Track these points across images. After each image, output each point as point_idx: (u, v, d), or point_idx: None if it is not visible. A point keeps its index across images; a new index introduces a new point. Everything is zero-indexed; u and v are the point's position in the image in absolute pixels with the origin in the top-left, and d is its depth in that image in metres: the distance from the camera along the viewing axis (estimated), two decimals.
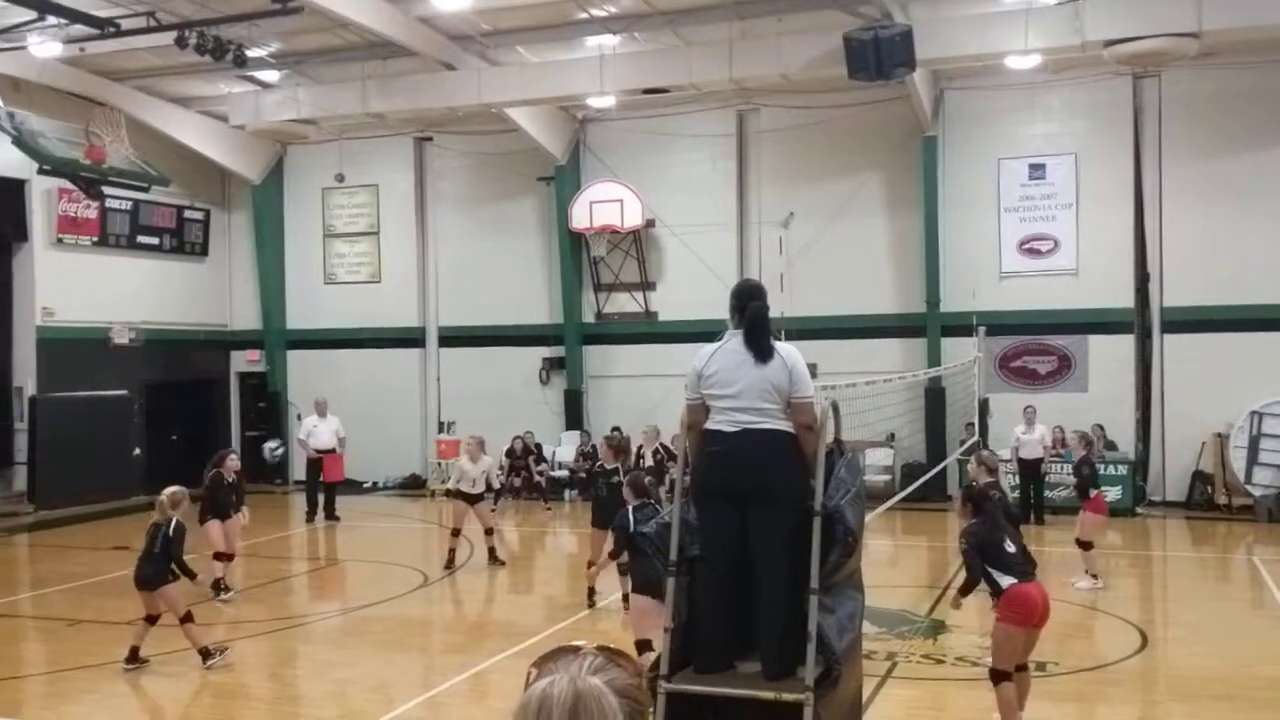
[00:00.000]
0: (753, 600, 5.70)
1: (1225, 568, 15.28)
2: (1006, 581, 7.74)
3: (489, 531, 14.79)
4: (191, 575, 10.25)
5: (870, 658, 9.96)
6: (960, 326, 18.76)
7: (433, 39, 18.23)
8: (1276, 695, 9.05)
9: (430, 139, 22.98)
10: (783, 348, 5.82)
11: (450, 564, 14.50)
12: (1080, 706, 9.10)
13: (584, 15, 17.48)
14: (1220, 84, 18.11)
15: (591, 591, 12.23)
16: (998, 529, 8.05)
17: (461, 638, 11.86)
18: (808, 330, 20.04)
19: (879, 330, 20.05)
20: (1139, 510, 18.16)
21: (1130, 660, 10.08)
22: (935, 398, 19.59)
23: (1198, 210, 18.45)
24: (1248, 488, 17.84)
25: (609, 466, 12.60)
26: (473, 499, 14.69)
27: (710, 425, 5.80)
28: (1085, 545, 13.04)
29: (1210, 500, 18.32)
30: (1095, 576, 12.86)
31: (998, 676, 7.79)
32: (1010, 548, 7.92)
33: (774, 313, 20.12)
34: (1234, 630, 11.30)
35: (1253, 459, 17.86)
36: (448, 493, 14.58)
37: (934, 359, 19.36)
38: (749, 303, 5.81)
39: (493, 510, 19.85)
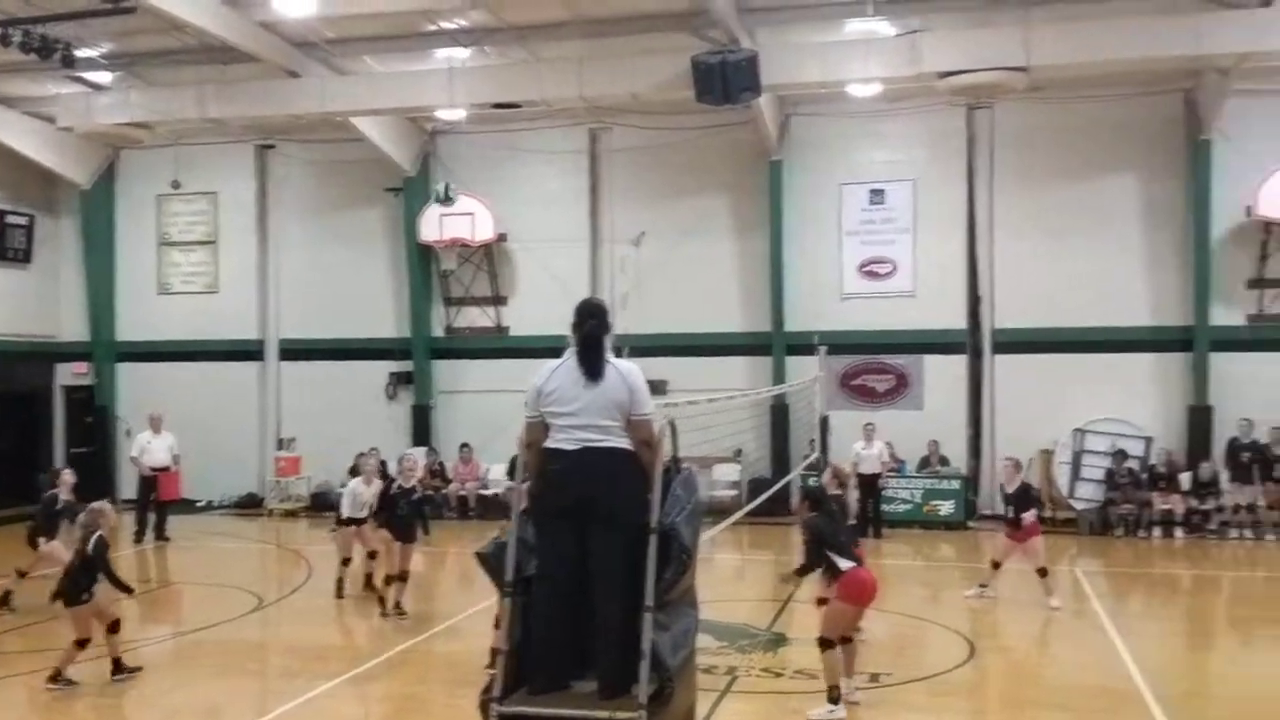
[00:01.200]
0: (589, 619, 5.67)
1: (1050, 579, 15.94)
2: (846, 565, 8.90)
3: (404, 577, 12.94)
4: (127, 589, 10.50)
5: (710, 672, 10.09)
6: (804, 346, 19.19)
7: (275, 45, 17.74)
8: (1095, 701, 9.47)
9: (273, 146, 22.37)
10: (623, 365, 5.83)
11: (340, 593, 13.77)
12: (912, 716, 9.33)
13: (433, 28, 17.31)
14: (1048, 117, 19.07)
15: (383, 601, 12.76)
16: (833, 523, 9.24)
17: (298, 662, 11.48)
18: (658, 347, 20.24)
19: (727, 348, 20.39)
20: (970, 524, 18.86)
21: (959, 670, 10.40)
22: (780, 415, 20.00)
23: (1026, 237, 19.35)
24: (1071, 502, 18.74)
25: (407, 485, 12.93)
26: (360, 524, 13.99)
27: (550, 444, 5.76)
28: (1042, 571, 13.04)
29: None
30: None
31: (825, 644, 8.92)
32: (844, 538, 9.15)
33: (624, 330, 20.28)
34: (1057, 639, 11.82)
35: (1075, 474, 18.78)
36: (341, 522, 13.79)
37: (779, 377, 19.78)
38: (586, 321, 5.80)
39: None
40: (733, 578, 16.42)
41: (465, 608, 12.80)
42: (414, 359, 21.67)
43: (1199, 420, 18.42)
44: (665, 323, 20.37)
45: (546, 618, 5.72)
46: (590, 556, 5.63)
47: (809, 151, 20.13)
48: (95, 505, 10.47)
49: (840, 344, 19.61)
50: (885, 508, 18.62)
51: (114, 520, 10.56)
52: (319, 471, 21.58)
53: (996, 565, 13.35)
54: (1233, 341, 18.57)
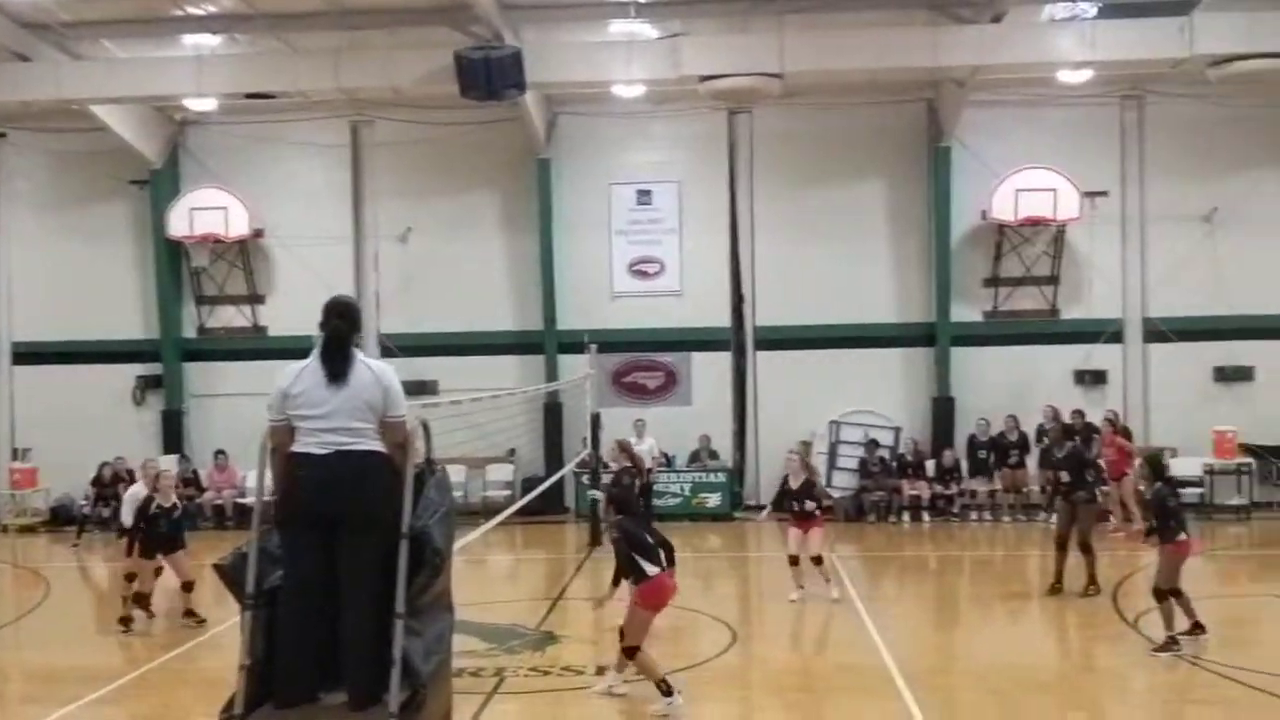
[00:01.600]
0: (338, 629, 5.46)
1: (808, 565, 16.58)
2: (651, 570, 9.06)
3: (188, 587, 12.48)
4: None
5: (479, 675, 10.01)
6: (576, 344, 19.26)
7: (3, 26, 16.39)
8: (848, 681, 9.90)
9: (4, 135, 20.67)
10: (376, 365, 5.64)
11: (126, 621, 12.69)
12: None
13: (179, 12, 16.42)
14: (803, 123, 19.86)
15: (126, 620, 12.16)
16: (640, 525, 9.41)
17: (36, 686, 10.65)
18: (428, 346, 20.00)
19: (498, 347, 20.26)
20: (736, 515, 19.44)
21: (722, 657, 10.67)
22: (553, 413, 20.04)
23: (785, 238, 20.10)
24: (828, 490, 19.56)
25: (166, 504, 12.38)
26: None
27: (298, 448, 5.51)
28: (817, 560, 13.10)
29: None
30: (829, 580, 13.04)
31: (631, 651, 9.01)
32: (650, 540, 9.25)
33: (393, 329, 19.86)
34: (815, 624, 12.30)
35: (833, 464, 19.66)
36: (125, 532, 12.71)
37: (551, 375, 19.82)
38: (330, 320, 5.58)
39: (75, 546, 18.08)
40: (505, 578, 16.35)
41: (223, 619, 12.17)
42: (163, 361, 20.51)
43: (942, 410, 19.61)
44: (435, 321, 20.09)
45: (292, 629, 5.47)
46: (340, 563, 5.42)
47: (578, 151, 20.24)
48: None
49: (611, 342, 19.78)
50: (656, 502, 18.93)
51: None
52: (59, 483, 20.12)
53: (795, 561, 13.29)
54: (971, 337, 19.86)
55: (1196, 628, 10.39)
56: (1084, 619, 11.99)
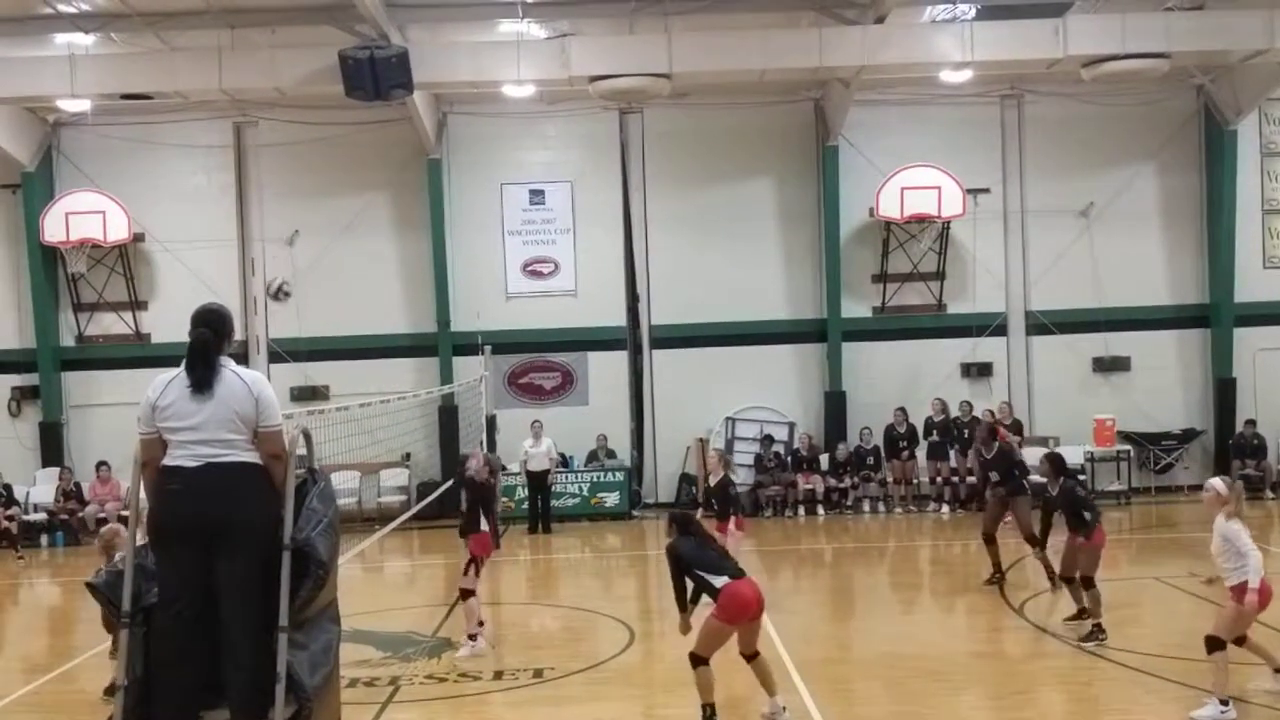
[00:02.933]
0: (218, 644, 5.33)
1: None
2: (719, 581, 8.29)
3: None
4: None
5: (373, 685, 9.86)
6: (471, 345, 19.14)
7: None
8: (745, 675, 9.95)
9: None
10: (248, 374, 5.50)
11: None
12: (576, 708, 9.46)
13: (50, 10, 15.80)
14: (694, 123, 20.02)
15: None
16: (700, 545, 8.62)
17: None
18: (318, 351, 19.64)
19: (391, 350, 20.00)
20: (635, 513, 19.50)
21: (620, 657, 10.68)
22: (448, 416, 19.84)
23: (678, 237, 20.23)
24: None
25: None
26: None
27: (169, 461, 5.35)
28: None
29: (695, 499, 20.04)
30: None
31: (695, 661, 8.40)
32: (713, 552, 8.64)
33: (284, 333, 19.46)
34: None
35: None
36: None
37: (446, 377, 19.62)
38: (195, 329, 5.42)
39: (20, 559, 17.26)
40: (402, 585, 16.14)
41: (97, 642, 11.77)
42: (40, 371, 19.74)
43: (834, 405, 19.94)
44: (325, 325, 19.76)
45: (171, 646, 5.32)
46: (216, 578, 5.29)
47: (469, 150, 20.09)
48: None
49: (507, 343, 19.73)
50: (555, 503, 18.91)
51: None
52: None
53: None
54: (861, 332, 20.24)
55: (1082, 613, 10.74)
56: (973, 606, 12.29)
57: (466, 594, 10.82)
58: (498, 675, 10.19)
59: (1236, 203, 19.82)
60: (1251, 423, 19.61)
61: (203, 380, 5.31)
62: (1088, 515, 10.72)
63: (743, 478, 19.66)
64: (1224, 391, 20.02)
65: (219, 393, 5.32)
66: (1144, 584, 13.34)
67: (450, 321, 19.82)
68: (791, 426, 20.03)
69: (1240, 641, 8.73)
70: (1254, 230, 20.28)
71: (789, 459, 19.64)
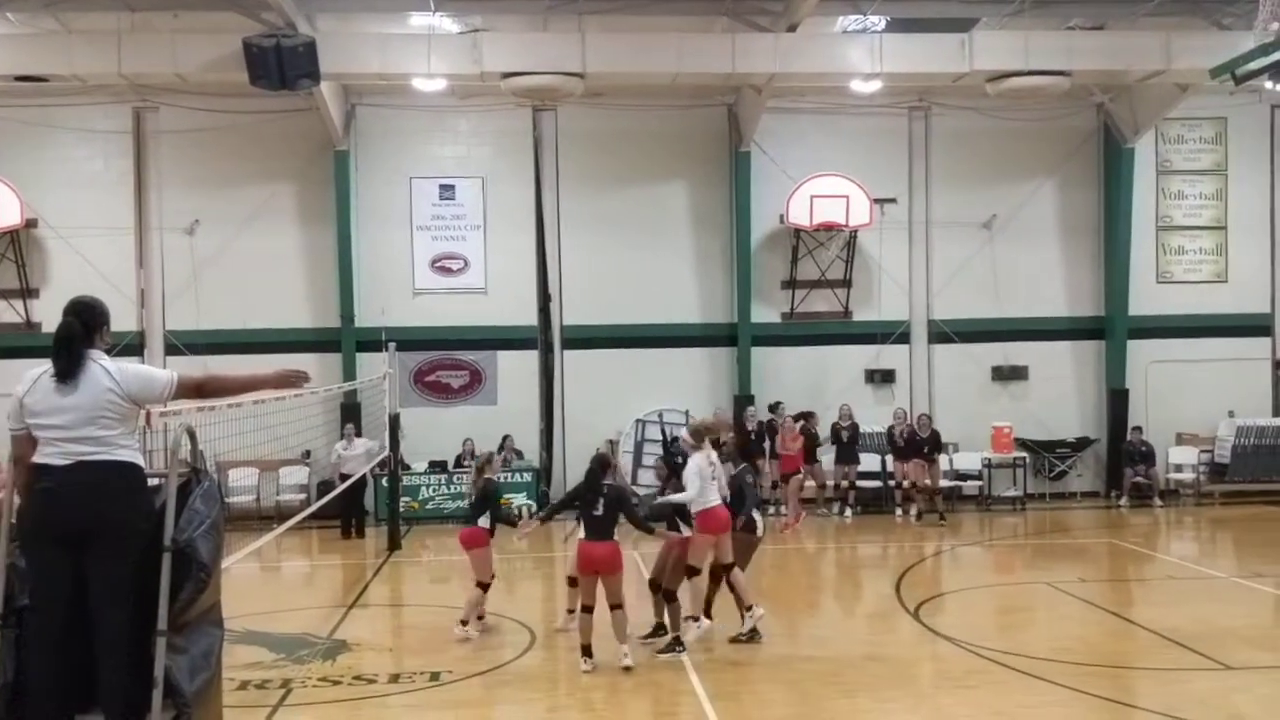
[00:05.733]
0: (93, 647, 5.14)
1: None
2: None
3: None
4: None
5: (264, 687, 9.64)
6: (375, 342, 18.82)
7: None
8: (644, 677, 9.97)
9: None
10: (115, 366, 5.27)
11: None
12: (474, 711, 9.37)
13: None
14: (608, 123, 19.97)
15: None
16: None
17: None
18: (217, 344, 19.16)
19: (293, 345, 19.45)
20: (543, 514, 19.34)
21: (521, 659, 10.60)
22: (351, 413, 19.47)
23: (591, 237, 20.17)
24: (634, 488, 19.72)
25: None
26: None
27: (40, 459, 5.16)
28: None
29: None
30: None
31: (691, 572, 10.44)
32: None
33: (181, 325, 18.87)
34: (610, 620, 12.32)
35: (638, 462, 19.84)
36: None
37: (349, 374, 19.29)
38: (64, 319, 5.23)
39: None
40: (299, 585, 15.83)
41: None
42: None
43: (743, 408, 20.03)
44: (224, 318, 19.32)
45: (42, 649, 5.13)
46: (90, 580, 5.11)
47: (377, 143, 19.78)
48: None
49: (413, 340, 19.45)
50: (460, 503, 18.69)
51: None
52: None
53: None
54: (770, 337, 20.41)
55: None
56: (870, 609, 12.46)
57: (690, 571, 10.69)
58: (394, 678, 10.05)
59: (1133, 219, 20.44)
60: (1139, 429, 20.23)
61: (65, 371, 5.13)
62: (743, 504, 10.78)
63: (651, 480, 19.71)
64: (1117, 401, 20.62)
65: (86, 387, 5.14)
66: (1036, 588, 13.66)
67: (355, 317, 19.50)
68: None
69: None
70: (1148, 246, 20.94)
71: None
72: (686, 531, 10.62)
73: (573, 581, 11.11)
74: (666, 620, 10.82)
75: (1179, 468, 20.54)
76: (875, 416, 20.01)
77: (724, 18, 17.18)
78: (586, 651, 10.01)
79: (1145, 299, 20.75)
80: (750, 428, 19.23)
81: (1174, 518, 19.33)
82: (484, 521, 11.45)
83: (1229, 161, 21.11)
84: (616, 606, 10.05)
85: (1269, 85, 16.30)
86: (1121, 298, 20.47)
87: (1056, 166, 20.76)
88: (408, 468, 18.97)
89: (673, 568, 10.78)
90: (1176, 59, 16.87)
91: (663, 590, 10.81)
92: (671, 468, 11.36)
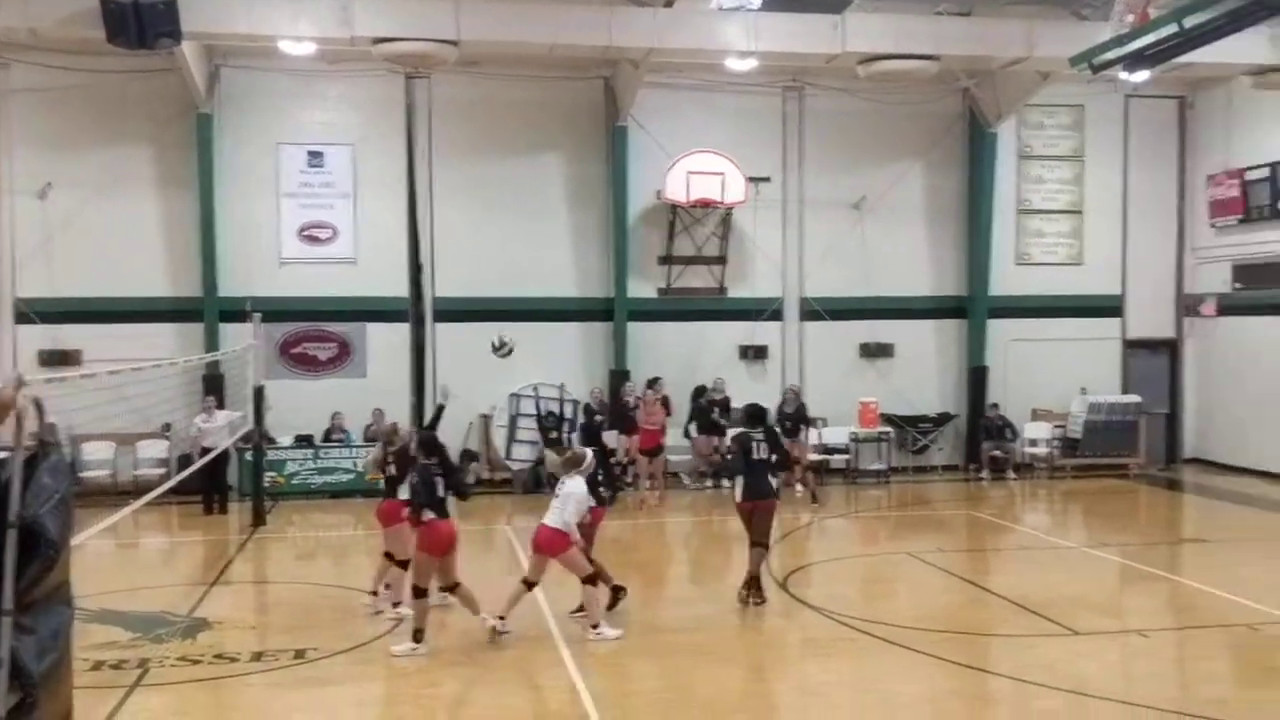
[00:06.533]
0: None
1: (487, 539, 16.61)
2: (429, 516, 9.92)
3: None
4: None
5: (120, 667, 9.33)
6: (238, 312, 18.22)
7: None
8: (514, 653, 9.97)
9: None
10: None
11: None
12: (340, 689, 9.21)
13: None
14: (484, 92, 19.68)
15: None
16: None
17: None
18: (71, 313, 18.43)
19: (152, 314, 18.86)
20: None
21: (388, 637, 10.44)
22: (213, 385, 18.88)
23: (465, 208, 19.90)
24: (508, 463, 19.66)
25: None
26: None
27: None
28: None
29: (477, 476, 19.91)
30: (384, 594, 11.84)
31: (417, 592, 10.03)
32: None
33: (33, 293, 18.05)
34: (486, 596, 12.19)
35: (512, 437, 19.70)
36: None
37: (211, 345, 18.67)
38: None
39: None
40: (158, 562, 15.33)
41: None
42: None
43: (619, 384, 20.06)
44: (79, 286, 18.50)
45: None
46: None
47: (242, 107, 19.12)
48: None
49: (279, 311, 18.93)
50: (328, 478, 18.39)
51: None
52: None
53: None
54: (647, 312, 20.48)
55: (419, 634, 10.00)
56: (739, 580, 12.62)
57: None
58: (257, 656, 9.82)
59: (994, 202, 21.12)
60: (996, 406, 20.99)
61: None
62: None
63: (525, 455, 19.66)
64: (977, 378, 21.34)
65: None
66: (898, 559, 14.06)
67: (217, 286, 18.87)
68: (576, 404, 20.06)
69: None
70: (1009, 228, 21.67)
71: (572, 436, 19.65)
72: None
73: (391, 558, 11.24)
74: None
75: (1034, 442, 21.38)
76: (749, 392, 20.25)
77: None
78: (418, 637, 9.92)
79: (1005, 280, 21.49)
80: (628, 401, 19.33)
81: (1028, 490, 20.14)
82: (404, 494, 10.80)
83: (1086, 148, 21.98)
84: (455, 586, 10.35)
85: (1123, 75, 17.01)
86: (982, 278, 21.16)
87: (924, 149, 21.30)
88: (273, 441, 18.50)
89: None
90: (1038, 47, 17.45)
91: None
92: (548, 440, 11.48)
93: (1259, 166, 20.30)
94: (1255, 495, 18.67)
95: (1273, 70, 17.86)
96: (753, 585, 11.35)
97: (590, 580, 10.40)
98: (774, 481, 11.46)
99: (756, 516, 11.39)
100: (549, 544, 10.27)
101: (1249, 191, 20.54)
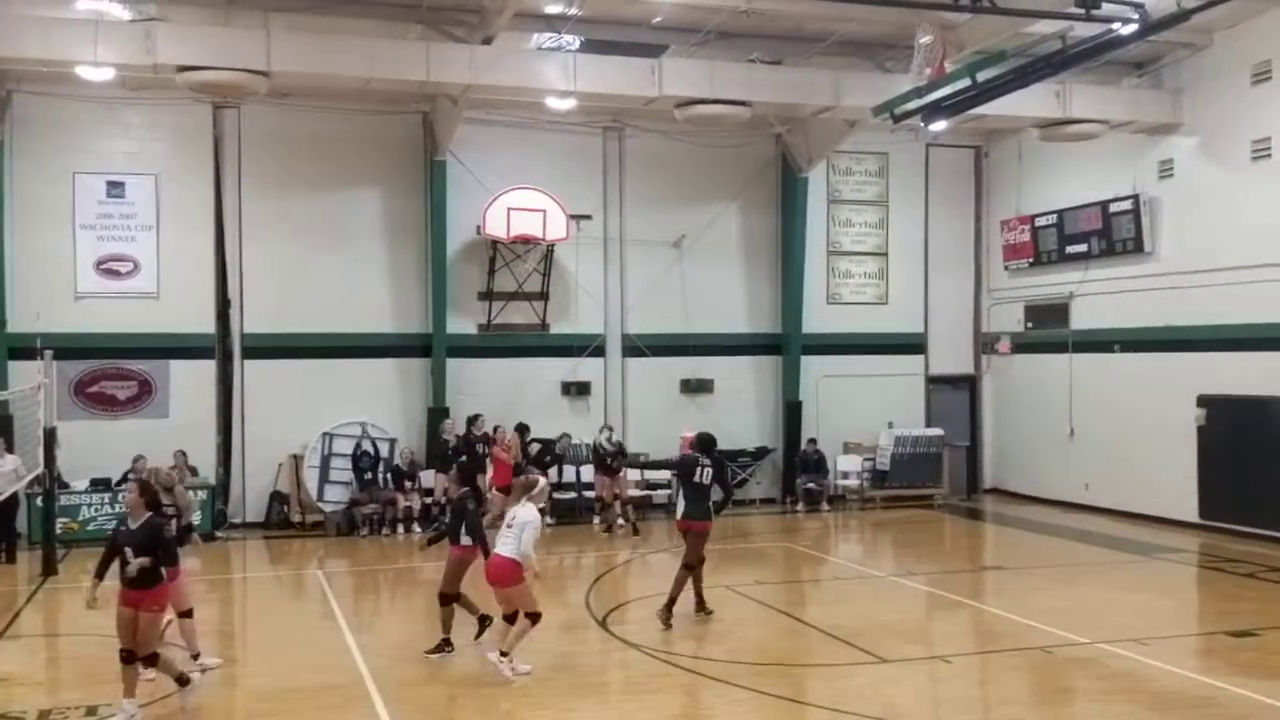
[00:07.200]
0: None
1: (298, 584, 16.04)
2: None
3: None
4: None
5: None
6: (29, 349, 17.11)
7: None
8: (324, 701, 9.61)
9: None
10: None
11: None
12: None
13: None
14: (298, 124, 19.23)
15: None
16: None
17: None
18: None
19: None
20: (219, 534, 18.31)
21: (179, 693, 9.90)
22: (2, 426, 17.64)
23: (277, 242, 19.34)
24: (320, 505, 19.05)
25: None
26: None
27: None
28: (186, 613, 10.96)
29: (287, 519, 19.23)
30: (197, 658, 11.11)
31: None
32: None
33: None
34: (294, 644, 11.82)
35: (324, 477, 19.12)
36: None
37: (0, 383, 17.48)
38: None
39: None
40: None
41: None
42: None
43: (438, 421, 19.72)
44: None
45: None
46: None
47: (37, 134, 18.11)
48: None
49: (75, 348, 17.92)
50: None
51: None
52: None
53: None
54: (466, 348, 20.28)
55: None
56: (560, 620, 12.55)
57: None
58: (45, 715, 9.18)
59: (806, 243, 21.85)
60: (813, 441, 21.63)
61: None
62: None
63: (338, 495, 19.09)
64: (791, 413, 21.95)
65: None
66: (717, 592, 14.17)
67: (6, 321, 17.72)
68: (392, 443, 19.64)
69: None
70: (820, 269, 22.46)
71: (388, 476, 19.23)
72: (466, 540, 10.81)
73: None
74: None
75: (846, 474, 22.10)
76: (572, 429, 20.30)
77: (419, 25, 16.94)
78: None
79: (817, 318, 22.22)
80: (448, 439, 19.03)
81: (841, 521, 20.77)
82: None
83: (890, 194, 23.02)
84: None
85: (922, 125, 17.89)
86: (796, 316, 21.82)
87: (739, 191, 21.88)
88: (66, 486, 17.41)
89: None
90: (844, 96, 18.19)
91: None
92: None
93: (1047, 213, 21.66)
94: (1048, 524, 19.75)
95: (1058, 124, 19.10)
96: (669, 607, 12.01)
97: (532, 617, 10.19)
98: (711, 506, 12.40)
99: (689, 538, 12.19)
100: (500, 574, 10.10)
101: (1038, 236, 21.89)
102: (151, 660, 9.03)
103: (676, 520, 12.64)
